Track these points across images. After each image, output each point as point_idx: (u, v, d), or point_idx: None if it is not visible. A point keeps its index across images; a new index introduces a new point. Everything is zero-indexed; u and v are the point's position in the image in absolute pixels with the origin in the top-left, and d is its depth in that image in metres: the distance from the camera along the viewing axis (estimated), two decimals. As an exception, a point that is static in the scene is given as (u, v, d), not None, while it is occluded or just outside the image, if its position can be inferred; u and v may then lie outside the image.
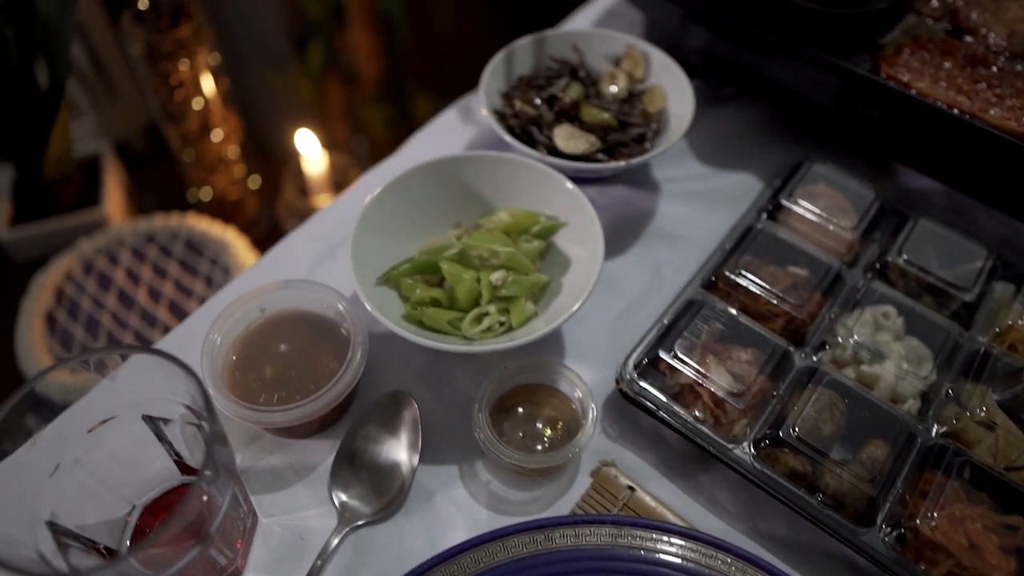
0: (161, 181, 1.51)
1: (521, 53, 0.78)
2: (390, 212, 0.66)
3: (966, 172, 0.73)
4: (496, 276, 0.61)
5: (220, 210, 1.40)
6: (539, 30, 0.78)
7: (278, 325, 0.64)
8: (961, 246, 0.70)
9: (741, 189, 0.79)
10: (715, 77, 0.86)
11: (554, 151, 0.70)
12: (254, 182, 1.41)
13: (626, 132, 0.72)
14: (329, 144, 1.94)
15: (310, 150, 1.31)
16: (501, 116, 0.73)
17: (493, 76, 0.75)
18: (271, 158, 1.71)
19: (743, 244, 0.68)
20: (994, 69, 0.72)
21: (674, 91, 0.76)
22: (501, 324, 0.61)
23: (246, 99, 1.92)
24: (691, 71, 0.86)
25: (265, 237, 1.46)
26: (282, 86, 1.73)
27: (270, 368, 0.61)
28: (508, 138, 0.69)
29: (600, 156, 0.69)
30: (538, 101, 0.74)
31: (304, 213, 1.35)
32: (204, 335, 0.59)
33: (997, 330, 0.66)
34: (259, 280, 0.73)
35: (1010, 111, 0.68)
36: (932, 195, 0.80)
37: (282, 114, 1.88)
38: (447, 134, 0.83)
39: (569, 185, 0.64)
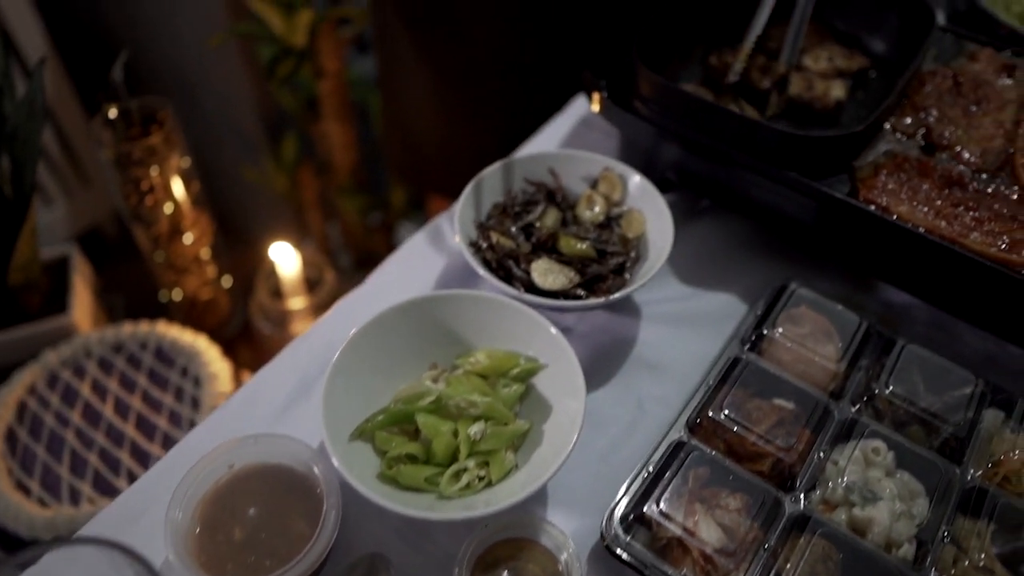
0: (131, 280, 1.48)
1: (493, 179, 0.77)
2: (363, 358, 0.64)
3: (948, 293, 0.73)
4: (474, 429, 0.59)
5: (191, 310, 1.37)
6: (515, 127, 0.76)
7: (247, 481, 0.61)
8: (949, 372, 0.69)
9: (724, 310, 0.78)
10: (692, 191, 0.85)
11: (532, 286, 0.68)
12: (227, 280, 1.39)
13: (605, 263, 0.70)
14: (303, 233, 1.93)
15: (283, 258, 1.29)
16: (476, 248, 0.71)
17: (467, 205, 0.74)
18: (245, 250, 1.68)
19: (727, 379, 0.67)
20: (971, 189, 0.72)
21: (652, 216, 0.75)
22: (480, 479, 0.59)
23: (220, 192, 1.90)
24: (667, 185, 0.85)
25: (238, 336, 1.43)
26: (256, 178, 1.72)
27: (239, 531, 0.58)
28: (484, 273, 0.67)
29: (579, 292, 0.68)
30: (514, 230, 0.73)
31: (277, 315, 1.32)
32: (170, 489, 0.57)
33: (990, 463, 0.64)
34: (229, 420, 0.70)
35: (989, 235, 0.68)
36: (916, 310, 0.79)
37: (257, 205, 1.86)
38: (421, 258, 0.82)
39: (552, 330, 0.63)
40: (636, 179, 0.77)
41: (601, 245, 0.72)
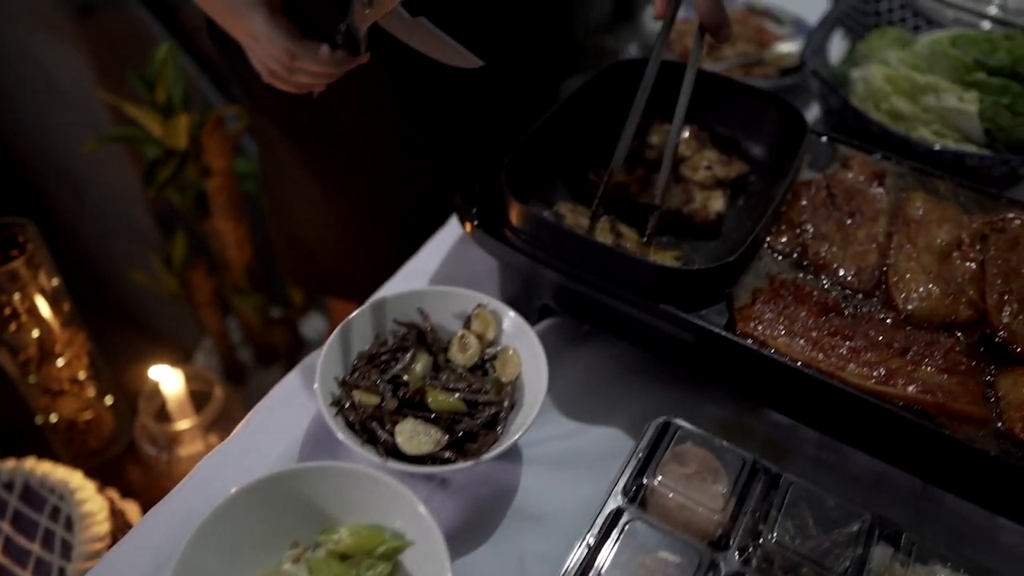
0: (3, 401, 1.38)
1: (361, 322, 0.73)
2: (214, 545, 0.58)
3: (831, 421, 0.71)
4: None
5: (71, 431, 1.28)
6: (411, 227, 0.71)
7: None
8: (836, 508, 0.66)
9: (611, 446, 0.74)
10: (572, 317, 0.83)
11: (397, 450, 0.63)
12: (111, 399, 1.30)
13: (476, 416, 0.66)
14: (199, 330, 1.84)
15: (166, 379, 1.22)
16: (339, 407, 0.67)
17: (330, 358, 0.69)
18: (137, 355, 1.60)
19: (608, 535, 0.63)
20: (847, 315, 0.71)
21: (528, 357, 0.71)
22: None
23: (111, 288, 1.81)
24: (547, 311, 0.82)
25: (125, 454, 1.34)
26: (145, 281, 1.64)
27: None
28: (345, 438, 0.63)
29: (447, 454, 0.63)
30: (380, 384, 0.68)
31: (162, 438, 1.24)
32: None
33: (883, 609, 0.61)
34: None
35: (865, 366, 0.66)
36: (805, 431, 0.77)
37: (151, 300, 1.78)
38: (290, 407, 0.76)
39: (419, 508, 0.58)
40: (510, 317, 0.74)
41: (472, 395, 0.68)
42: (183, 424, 1.25)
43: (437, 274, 0.90)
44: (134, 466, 1.33)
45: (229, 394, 1.34)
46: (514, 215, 0.75)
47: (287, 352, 1.80)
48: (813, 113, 1.21)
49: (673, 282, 0.70)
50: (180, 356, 1.95)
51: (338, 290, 1.35)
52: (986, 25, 1.24)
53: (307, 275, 1.33)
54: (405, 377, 0.69)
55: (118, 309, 1.96)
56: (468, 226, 0.78)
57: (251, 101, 1.09)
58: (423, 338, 0.73)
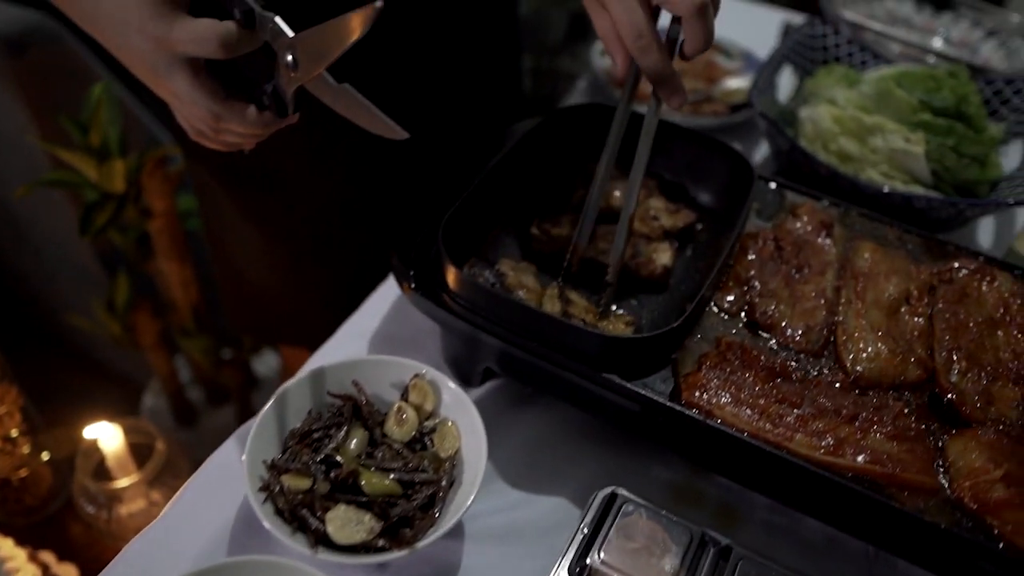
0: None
1: (293, 396, 0.70)
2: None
3: (780, 489, 0.69)
4: None
5: (5, 491, 1.23)
6: (359, 271, 0.68)
7: None
8: (788, 583, 0.64)
9: (557, 516, 0.72)
10: (515, 380, 0.80)
11: (329, 539, 0.60)
12: (47, 454, 1.25)
13: (413, 498, 0.63)
14: (146, 372, 1.79)
15: (105, 436, 1.17)
16: (268, 493, 0.63)
17: (259, 440, 0.65)
18: (81, 402, 1.54)
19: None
20: (795, 379, 0.69)
21: (467, 431, 0.68)
22: None
23: (53, 328, 1.75)
24: (489, 373, 0.80)
25: (62, 511, 1.28)
26: (88, 326, 1.58)
27: None
28: (272, 528, 0.59)
29: (381, 543, 0.60)
30: (312, 465, 0.65)
31: (101, 497, 1.19)
32: None
33: None
34: None
35: (813, 436, 0.65)
36: (756, 495, 0.75)
37: (92, 348, 1.72)
38: (222, 485, 0.72)
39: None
40: (449, 388, 0.71)
41: (409, 475, 0.65)
42: (124, 481, 1.20)
43: (378, 333, 0.87)
44: (75, 523, 1.27)
45: (172, 447, 1.29)
46: (451, 279, 0.72)
47: (239, 392, 1.75)
48: (763, 150, 1.20)
49: (615, 350, 0.67)
50: (129, 394, 1.89)
51: (287, 337, 1.31)
52: (932, 59, 1.25)
53: (254, 323, 1.29)
54: (339, 457, 0.66)
55: (64, 349, 1.90)
56: (405, 288, 0.75)
57: (186, 150, 1.05)
58: (358, 412, 0.70)
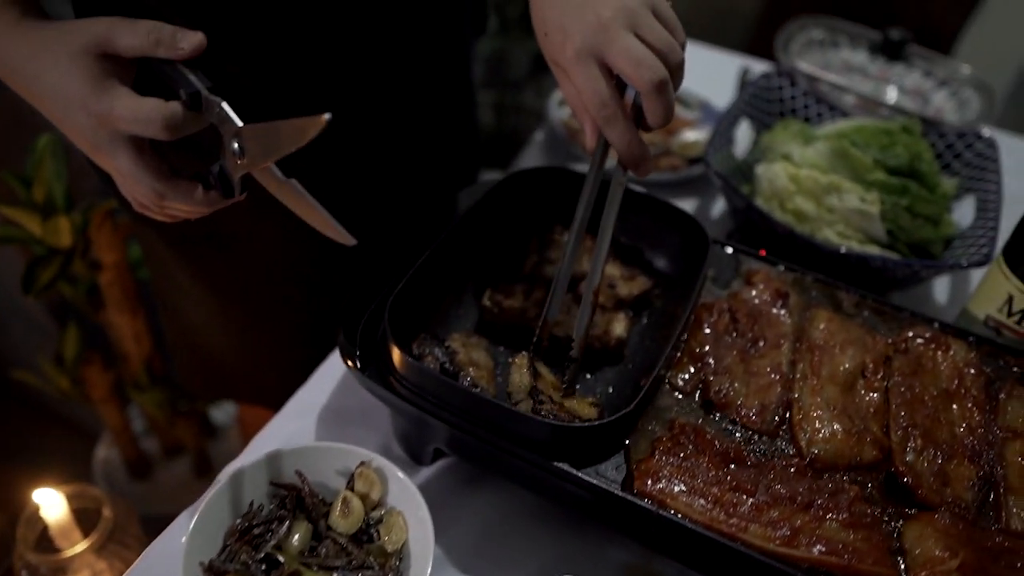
0: None
1: (233, 488, 0.67)
2: None
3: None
4: None
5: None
6: (315, 330, 0.65)
7: None
8: None
9: (509, 607, 0.70)
10: (466, 462, 0.78)
11: (265, 651, 0.57)
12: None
13: (355, 600, 0.61)
14: (99, 424, 1.74)
15: (48, 504, 1.13)
16: (202, 598, 0.60)
17: (196, 539, 0.62)
18: (27, 464, 1.49)
19: None
20: (749, 464, 0.68)
21: (414, 523, 0.66)
22: None
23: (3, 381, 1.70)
24: (439, 454, 0.78)
25: (7, 578, 1.23)
26: (35, 381, 1.53)
27: None
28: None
29: (321, 653, 0.57)
30: (252, 564, 0.62)
31: (44, 568, 1.14)
32: None
33: None
34: None
35: (768, 526, 0.63)
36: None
37: (43, 399, 1.67)
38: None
39: None
40: (397, 477, 0.68)
41: (353, 572, 0.62)
42: (69, 551, 1.15)
43: (327, 408, 0.85)
44: (18, 593, 1.22)
45: (121, 510, 1.25)
46: (397, 362, 0.70)
47: (196, 441, 1.71)
48: (722, 204, 1.20)
49: (566, 438, 0.66)
50: (82, 445, 1.84)
51: (242, 396, 1.27)
52: (886, 110, 1.25)
53: (208, 382, 1.25)
54: (280, 556, 0.63)
55: (14, 400, 1.85)
56: (351, 367, 0.73)
57: (131, 213, 1.02)
58: (302, 503, 0.67)
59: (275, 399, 0.89)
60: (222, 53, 0.77)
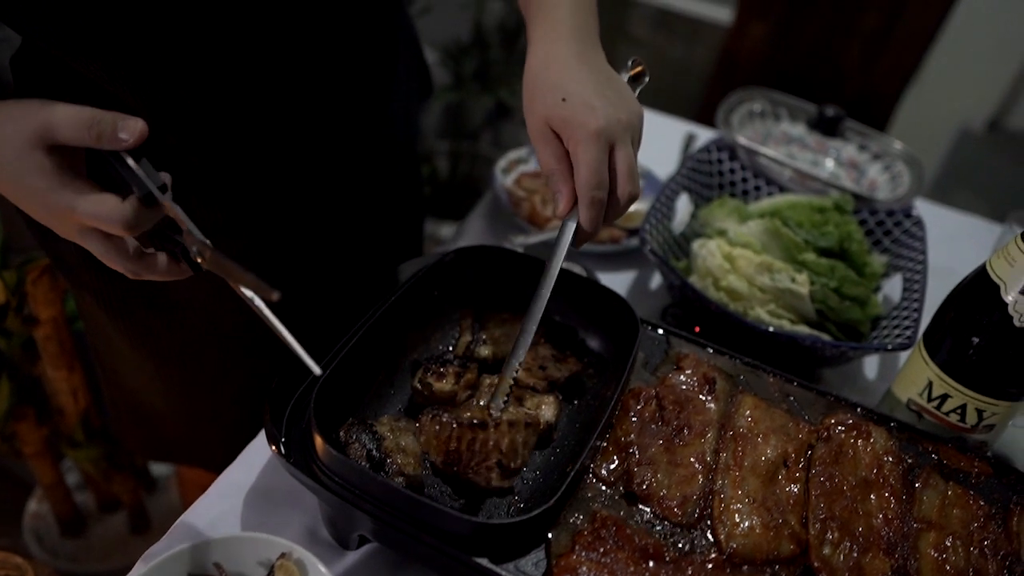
0: None
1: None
2: None
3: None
4: None
5: None
6: (249, 400, 0.65)
7: None
8: None
9: None
10: (391, 550, 0.77)
11: None
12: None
13: None
14: (26, 483, 1.69)
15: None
16: None
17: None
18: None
19: None
20: (668, 560, 0.68)
21: (331, 620, 0.65)
22: None
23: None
24: (365, 539, 0.77)
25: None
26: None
27: None
28: None
29: None
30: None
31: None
32: None
33: None
34: None
35: (686, 625, 0.64)
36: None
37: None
38: None
39: None
40: (319, 570, 0.68)
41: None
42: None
43: (254, 489, 0.83)
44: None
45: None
46: (320, 453, 0.69)
47: (132, 496, 1.67)
48: (660, 276, 1.21)
49: (487, 533, 0.66)
50: (14, 497, 1.78)
51: (181, 458, 1.25)
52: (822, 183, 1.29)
53: (148, 444, 1.23)
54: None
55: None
56: (275, 452, 0.72)
57: (68, 278, 1.00)
58: (217, 598, 0.66)
59: (214, 461, 0.88)
60: (162, 125, 0.78)
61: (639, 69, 0.83)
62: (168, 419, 1.16)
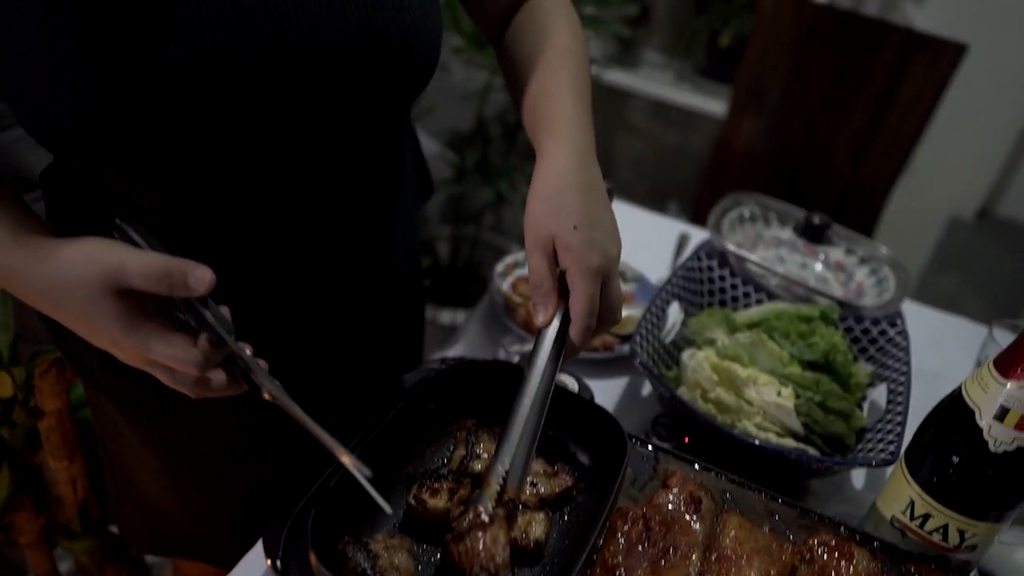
0: None
1: None
2: None
3: None
4: None
5: None
6: (259, 502, 0.67)
7: None
8: None
9: None
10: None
11: None
12: None
13: None
14: (18, 568, 1.69)
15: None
16: None
17: None
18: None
19: None
20: None
21: None
22: None
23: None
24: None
25: None
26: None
27: None
28: None
29: None
30: None
31: None
32: None
33: None
34: None
35: None
36: None
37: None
38: None
39: None
40: None
41: None
42: None
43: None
44: None
45: None
46: (315, 571, 0.72)
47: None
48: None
49: (475, 662, 0.67)
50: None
51: (185, 552, 1.26)
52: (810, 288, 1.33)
53: (152, 538, 1.24)
54: None
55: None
56: (271, 566, 0.74)
57: (85, 375, 1.03)
58: None
59: (218, 556, 0.90)
60: (177, 230, 0.83)
61: (609, 188, 0.94)
62: (174, 515, 1.17)
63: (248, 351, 0.70)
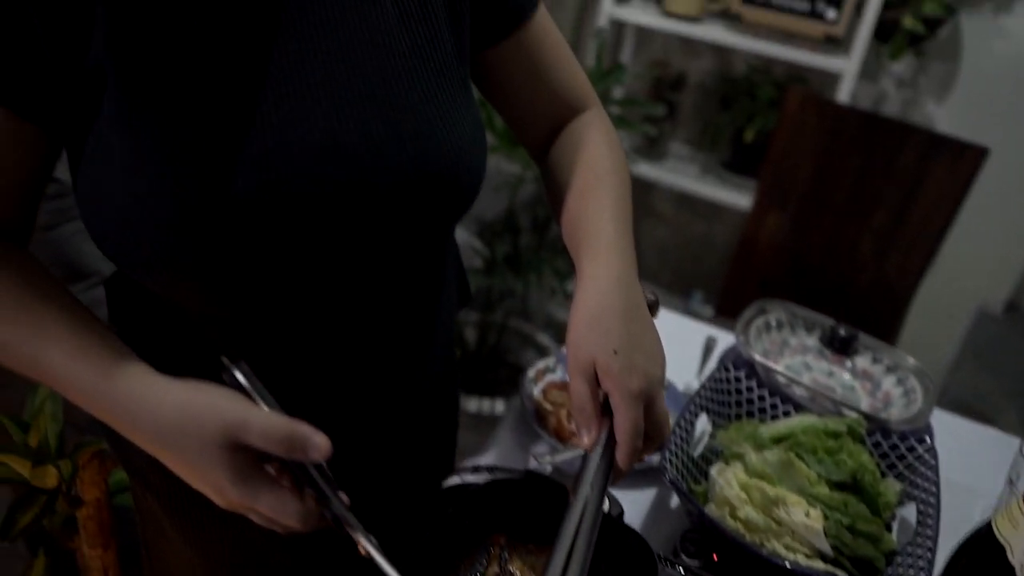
0: None
1: None
2: None
3: None
4: None
5: None
6: None
7: None
8: None
9: None
10: None
11: None
12: None
13: None
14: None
15: None
16: None
17: None
18: None
19: None
20: None
21: None
22: None
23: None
24: None
25: None
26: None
27: None
28: None
29: None
30: None
31: None
32: None
33: None
34: None
35: None
36: None
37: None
38: None
39: None
40: None
41: None
42: None
43: None
44: None
45: None
46: None
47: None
48: (680, 492, 1.26)
49: None
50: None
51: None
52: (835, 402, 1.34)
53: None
54: None
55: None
56: None
57: (133, 474, 1.07)
58: None
59: None
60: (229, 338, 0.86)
61: (653, 300, 0.97)
62: None
63: (345, 499, 0.72)
